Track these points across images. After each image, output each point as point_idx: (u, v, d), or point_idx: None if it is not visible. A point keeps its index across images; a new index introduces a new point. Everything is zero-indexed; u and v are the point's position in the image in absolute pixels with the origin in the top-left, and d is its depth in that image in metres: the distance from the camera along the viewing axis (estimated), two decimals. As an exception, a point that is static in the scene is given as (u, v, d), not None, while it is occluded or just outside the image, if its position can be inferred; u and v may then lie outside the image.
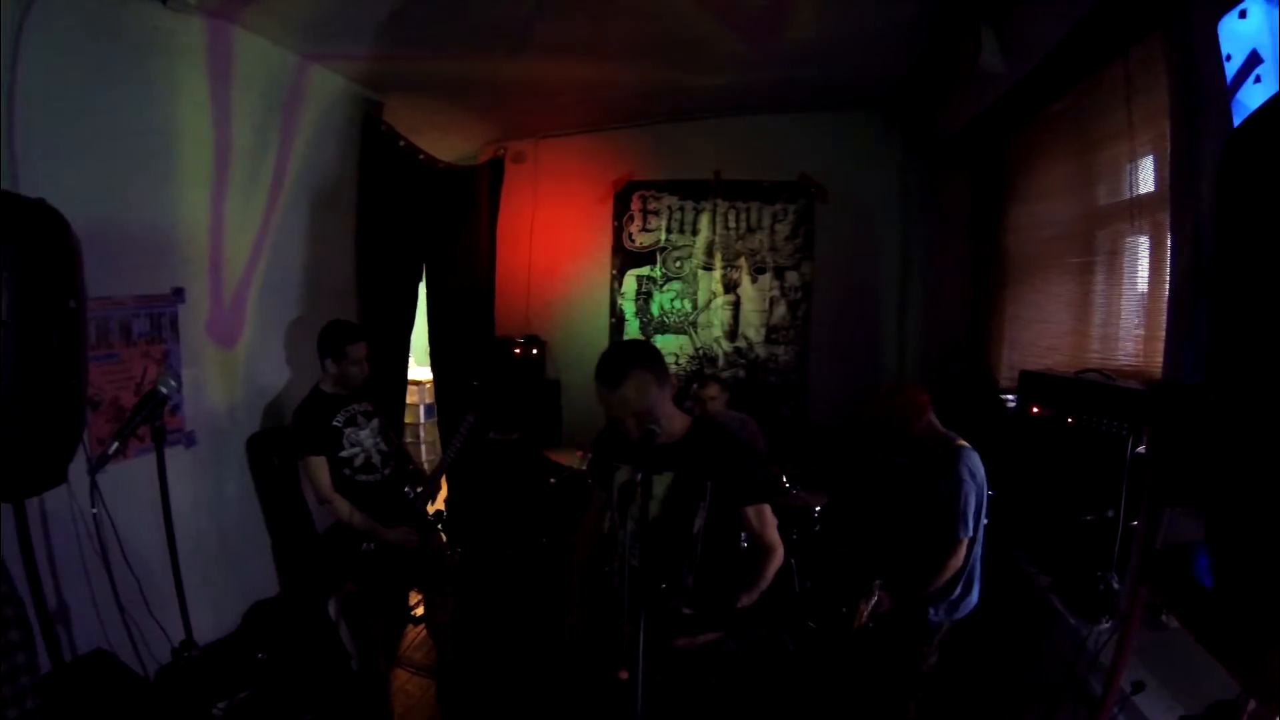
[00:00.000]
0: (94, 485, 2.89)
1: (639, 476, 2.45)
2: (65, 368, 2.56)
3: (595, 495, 3.35)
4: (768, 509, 2.91)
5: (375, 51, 5.27)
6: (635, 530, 2.53)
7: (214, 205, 4.55)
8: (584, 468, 3.39)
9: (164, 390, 3.04)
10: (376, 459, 4.51)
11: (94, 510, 2.91)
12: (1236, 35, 3.03)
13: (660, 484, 2.86)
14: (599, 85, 6.55)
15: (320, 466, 4.31)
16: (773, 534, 2.89)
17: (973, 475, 3.85)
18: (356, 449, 4.43)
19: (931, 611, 3.91)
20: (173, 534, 3.17)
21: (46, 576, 3.12)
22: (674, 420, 2.90)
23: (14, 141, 3.20)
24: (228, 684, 4.14)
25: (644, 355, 2.83)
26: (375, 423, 4.56)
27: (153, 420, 3.02)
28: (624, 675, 2.48)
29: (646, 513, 2.50)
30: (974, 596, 3.99)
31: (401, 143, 6.34)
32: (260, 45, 4.75)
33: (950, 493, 3.79)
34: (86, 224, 2.76)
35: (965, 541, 3.80)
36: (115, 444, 2.91)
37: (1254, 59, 2.92)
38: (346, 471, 4.40)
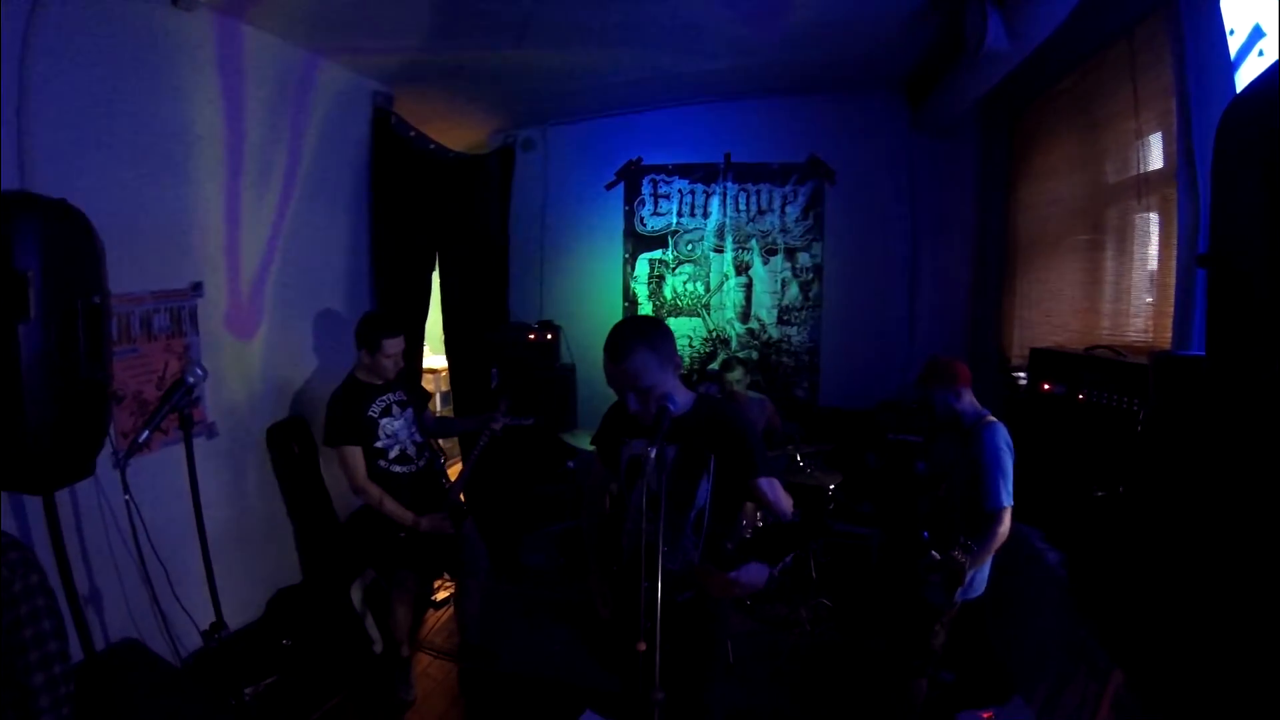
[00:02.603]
0: (124, 474, 2.94)
1: (652, 451, 2.48)
2: (91, 363, 2.62)
3: (597, 470, 3.38)
4: (778, 482, 2.94)
5: (382, 44, 5.31)
6: (647, 502, 2.56)
7: (229, 200, 4.61)
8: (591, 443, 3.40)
9: (190, 379, 3.09)
10: (411, 450, 4.54)
11: (126, 498, 2.96)
12: (1239, 10, 3.04)
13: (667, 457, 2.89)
14: (604, 70, 6.57)
15: (356, 455, 4.35)
16: (786, 506, 2.91)
17: (1009, 446, 3.89)
18: (391, 440, 4.46)
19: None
20: (202, 519, 3.22)
21: (76, 567, 3.18)
22: (678, 396, 2.94)
23: (30, 141, 3.26)
24: (254, 670, 4.22)
25: (649, 333, 2.86)
26: (409, 413, 4.60)
27: (181, 408, 3.07)
28: (643, 648, 2.52)
29: (663, 486, 2.53)
30: (985, 574, 4.00)
31: (412, 133, 6.38)
32: (269, 41, 4.79)
33: (993, 462, 3.80)
34: (105, 221, 2.81)
35: (1010, 509, 3.82)
36: (146, 432, 2.95)
37: (1256, 33, 2.93)
38: (381, 463, 4.43)
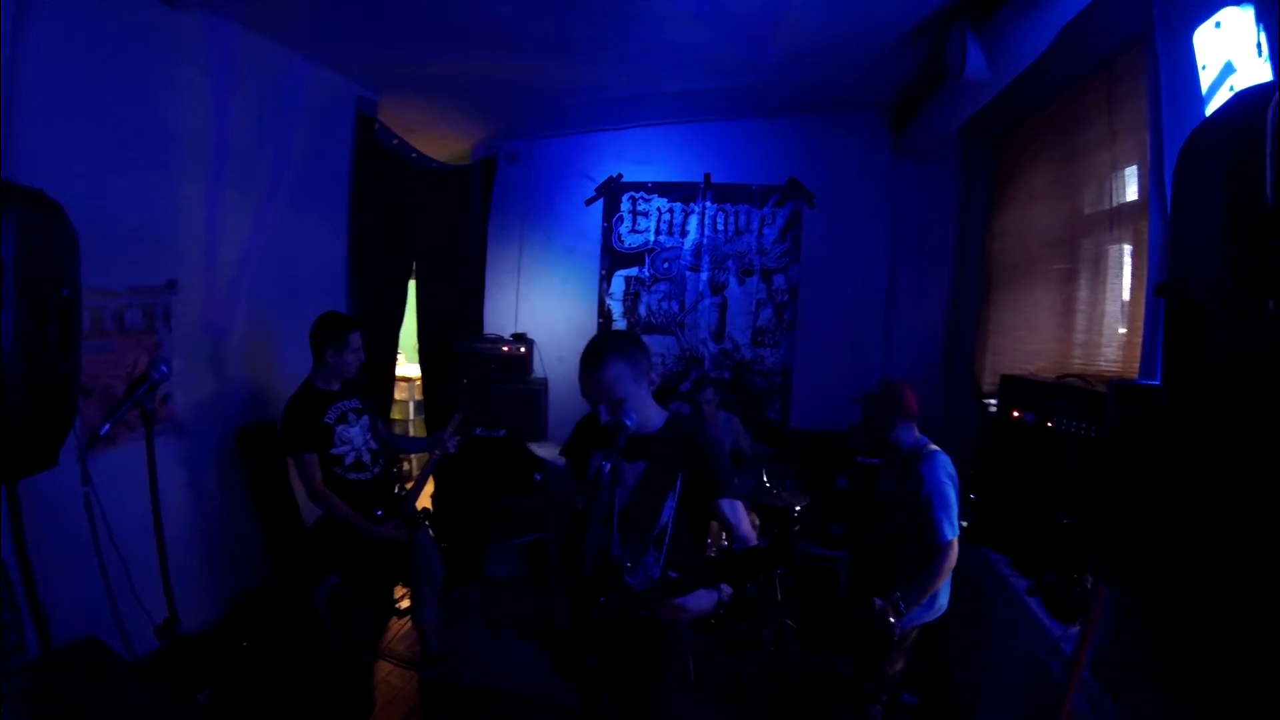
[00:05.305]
0: (83, 464, 2.92)
1: (606, 465, 2.50)
2: (59, 354, 2.60)
3: (565, 482, 3.36)
4: (741, 505, 2.96)
5: (370, 50, 5.33)
6: (605, 518, 2.58)
7: (208, 199, 4.61)
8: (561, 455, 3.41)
9: (155, 376, 3.07)
10: (366, 457, 4.54)
11: (85, 490, 2.93)
12: (1211, 45, 3.09)
13: (632, 473, 2.91)
14: (588, 87, 6.60)
15: (312, 463, 4.34)
16: (748, 529, 2.92)
17: (951, 477, 3.88)
18: (347, 447, 4.46)
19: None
20: (159, 513, 3.21)
21: (38, 562, 3.14)
22: (649, 412, 2.96)
23: (12, 133, 3.25)
24: (213, 671, 4.18)
25: (625, 346, 2.88)
26: (365, 420, 4.60)
27: (144, 404, 3.05)
28: (593, 660, 2.54)
29: (614, 501, 2.55)
30: (944, 599, 3.99)
31: (395, 141, 6.39)
32: (256, 42, 4.81)
33: (935, 495, 3.78)
34: (84, 214, 2.79)
35: (956, 541, 3.80)
36: (107, 425, 2.94)
37: (1227, 69, 2.97)
38: (337, 470, 4.42)
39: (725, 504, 2.88)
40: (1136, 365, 4.02)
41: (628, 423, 2.69)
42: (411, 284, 7.22)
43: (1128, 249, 4.39)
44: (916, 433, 4.09)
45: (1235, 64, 2.90)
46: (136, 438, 3.75)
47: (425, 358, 7.61)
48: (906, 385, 4.17)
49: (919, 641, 4.08)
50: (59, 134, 3.52)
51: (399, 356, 7.59)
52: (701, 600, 2.55)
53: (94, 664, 3.44)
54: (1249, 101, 1.68)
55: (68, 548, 3.47)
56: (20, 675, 2.51)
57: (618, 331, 7.19)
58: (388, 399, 7.00)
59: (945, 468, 3.88)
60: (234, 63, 4.64)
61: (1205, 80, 3.09)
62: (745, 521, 2.93)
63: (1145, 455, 2.06)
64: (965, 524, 3.94)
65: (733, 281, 8.01)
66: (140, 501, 3.41)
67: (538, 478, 6.72)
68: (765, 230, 7.89)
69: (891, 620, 3.70)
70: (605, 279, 8.31)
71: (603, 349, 2.84)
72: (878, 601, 3.75)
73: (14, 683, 2.48)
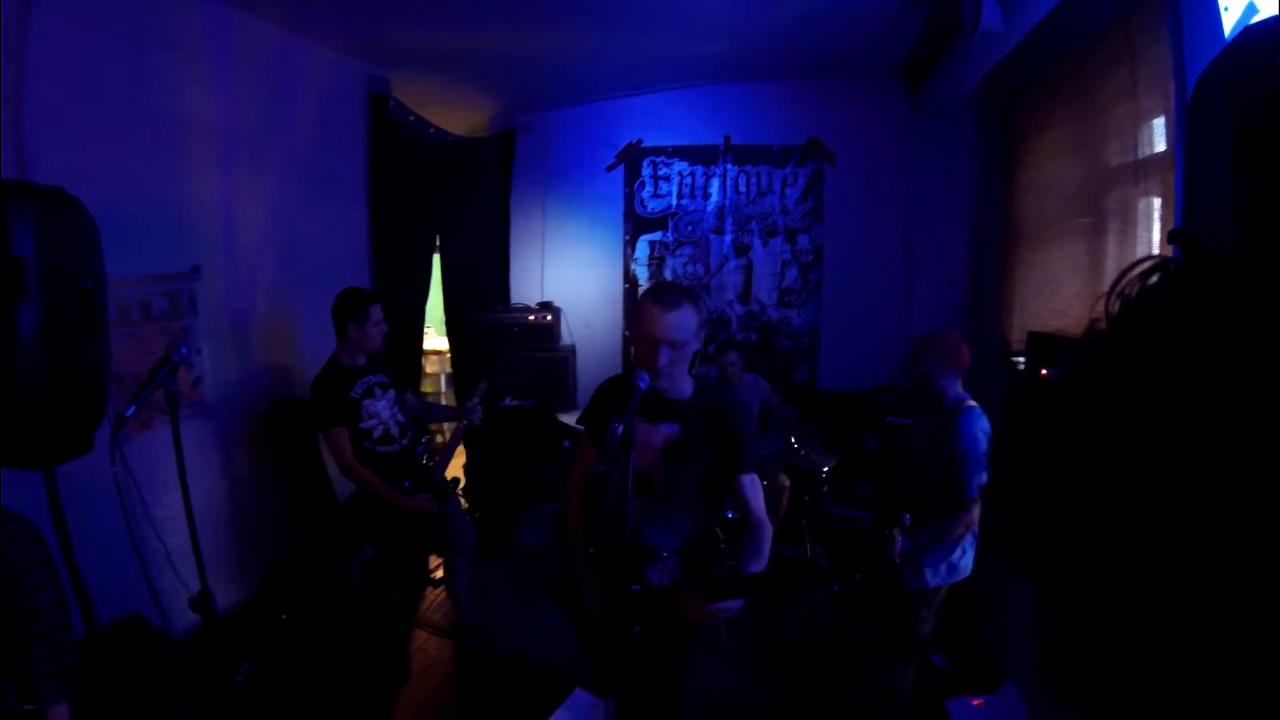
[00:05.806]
0: (113, 447, 2.97)
1: (619, 429, 2.49)
2: (85, 344, 2.65)
3: (584, 449, 3.33)
4: (758, 479, 2.98)
5: (376, 28, 5.34)
6: (622, 482, 2.59)
7: (222, 185, 4.66)
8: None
9: (176, 358, 3.12)
10: (394, 430, 4.59)
11: (114, 470, 2.99)
12: (1233, -13, 3.03)
13: (659, 437, 2.90)
14: (601, 54, 6.57)
15: (342, 438, 4.39)
16: (761, 504, 2.96)
17: (987, 435, 3.85)
18: (374, 420, 4.50)
19: (929, 574, 3.88)
20: (188, 491, 3.26)
21: (84, 543, 3.20)
22: (684, 377, 2.97)
23: (29, 128, 3.28)
24: (253, 645, 4.27)
25: (697, 299, 2.92)
26: (391, 394, 4.64)
27: (166, 385, 3.10)
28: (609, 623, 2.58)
29: (629, 464, 2.55)
30: (968, 561, 3.95)
31: (411, 117, 6.40)
32: (263, 27, 4.85)
33: (969, 450, 3.74)
34: (103, 206, 2.83)
35: (978, 500, 3.78)
36: (132, 408, 2.99)
37: (1250, 10, 2.91)
38: (365, 444, 4.47)
39: (745, 479, 2.92)
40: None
41: (640, 384, 2.68)
42: (436, 257, 7.25)
43: (1156, 201, 4.32)
44: (960, 388, 4.06)
45: (1258, 4, 2.84)
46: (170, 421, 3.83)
47: (453, 330, 7.64)
48: (958, 336, 4.14)
49: (947, 603, 4.07)
50: (72, 127, 3.57)
51: (429, 330, 7.65)
52: (734, 603, 2.62)
53: (138, 642, 3.53)
54: (1263, 30, 1.65)
55: (112, 530, 3.54)
56: (65, 652, 2.58)
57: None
58: (415, 371, 7.05)
59: (983, 425, 3.85)
60: (241, 48, 4.69)
61: (1228, 23, 3.03)
62: (760, 499, 2.97)
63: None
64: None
65: (757, 243, 7.98)
66: (177, 483, 3.48)
67: (566, 445, 6.75)
68: (788, 190, 7.84)
69: (897, 539, 3.71)
70: (629, 244, 8.29)
71: (680, 291, 2.90)
72: (886, 533, 3.78)
73: (59, 659, 2.54)
